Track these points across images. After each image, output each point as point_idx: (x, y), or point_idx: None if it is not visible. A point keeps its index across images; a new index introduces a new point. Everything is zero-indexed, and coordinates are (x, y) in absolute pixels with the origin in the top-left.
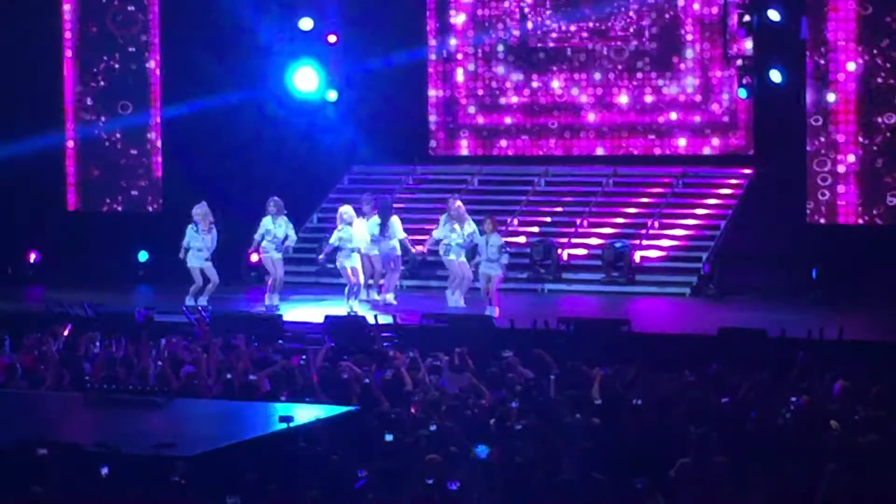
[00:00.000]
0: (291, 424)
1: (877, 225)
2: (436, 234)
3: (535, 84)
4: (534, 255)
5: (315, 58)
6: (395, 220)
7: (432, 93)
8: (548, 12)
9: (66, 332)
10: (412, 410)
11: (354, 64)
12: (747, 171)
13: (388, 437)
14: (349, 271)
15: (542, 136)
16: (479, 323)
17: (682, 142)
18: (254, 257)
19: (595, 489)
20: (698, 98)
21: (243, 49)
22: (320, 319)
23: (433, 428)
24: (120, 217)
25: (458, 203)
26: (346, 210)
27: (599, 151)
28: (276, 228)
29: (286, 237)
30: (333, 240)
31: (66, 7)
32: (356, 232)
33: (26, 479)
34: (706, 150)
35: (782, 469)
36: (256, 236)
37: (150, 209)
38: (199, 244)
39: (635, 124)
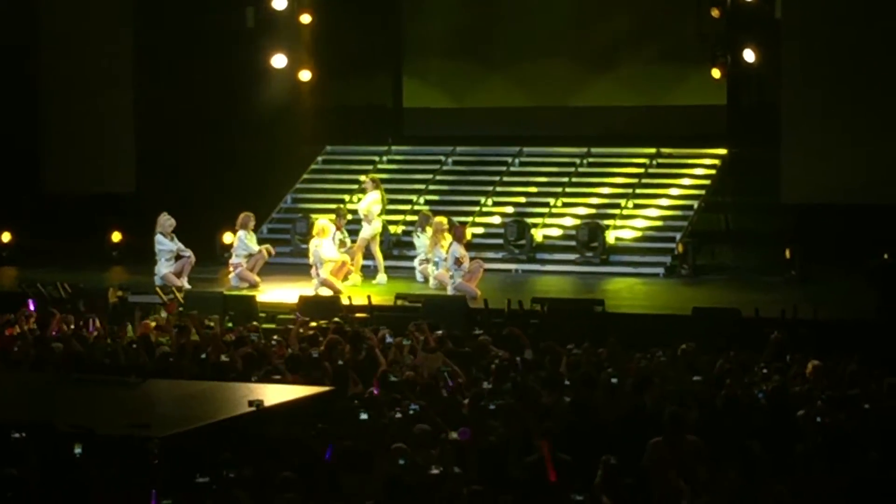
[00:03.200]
0: (263, 406)
1: (851, 204)
2: (427, 251)
3: (509, 64)
4: (508, 235)
5: (288, 37)
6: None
7: (406, 72)
8: None
9: (31, 310)
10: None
11: (328, 43)
12: (721, 150)
13: (363, 416)
14: (332, 282)
15: (516, 116)
16: (453, 303)
17: (655, 121)
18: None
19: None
20: (672, 77)
21: (217, 28)
22: (294, 299)
23: (399, 414)
24: (94, 198)
25: (441, 218)
26: (321, 226)
27: (573, 131)
28: (250, 241)
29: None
30: (310, 255)
31: None
32: (327, 247)
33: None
34: (680, 131)
35: (754, 448)
36: (242, 253)
37: (124, 190)
38: (168, 255)
39: (609, 104)
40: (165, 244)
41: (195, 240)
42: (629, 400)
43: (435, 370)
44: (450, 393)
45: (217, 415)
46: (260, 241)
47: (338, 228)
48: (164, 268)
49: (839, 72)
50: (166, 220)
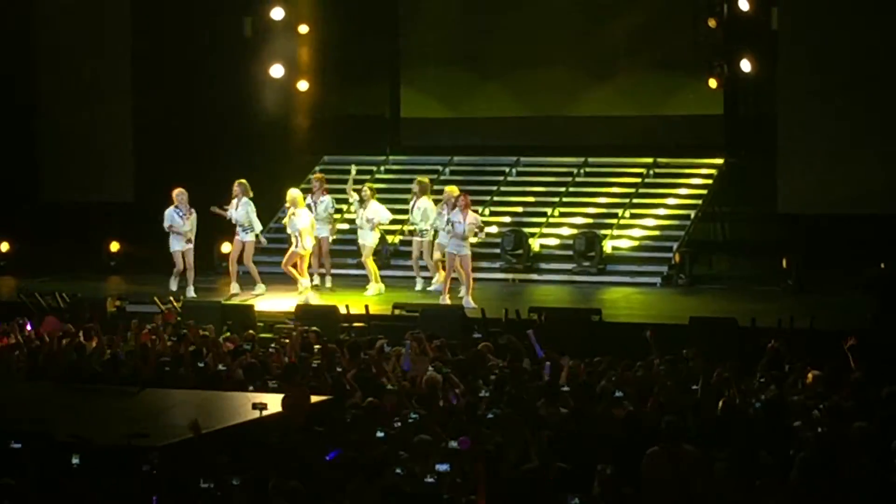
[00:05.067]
0: (266, 410)
1: (847, 213)
2: (438, 223)
3: (506, 74)
4: (505, 244)
5: (286, 47)
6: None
7: (403, 82)
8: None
9: (28, 324)
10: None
11: (326, 53)
12: (718, 160)
13: (380, 434)
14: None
15: (513, 126)
16: (451, 312)
17: (652, 131)
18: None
19: (561, 477)
20: (668, 87)
21: (215, 38)
22: (291, 309)
23: (398, 423)
24: (92, 207)
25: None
26: (294, 196)
27: (570, 141)
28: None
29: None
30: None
31: None
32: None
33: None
34: (676, 140)
35: (752, 457)
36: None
37: (122, 199)
38: (179, 228)
39: (606, 114)
40: (175, 220)
41: (193, 249)
42: (627, 409)
43: (429, 377)
44: (455, 403)
45: (216, 423)
46: (258, 251)
47: (323, 191)
48: (175, 243)
49: (835, 82)
50: (179, 192)
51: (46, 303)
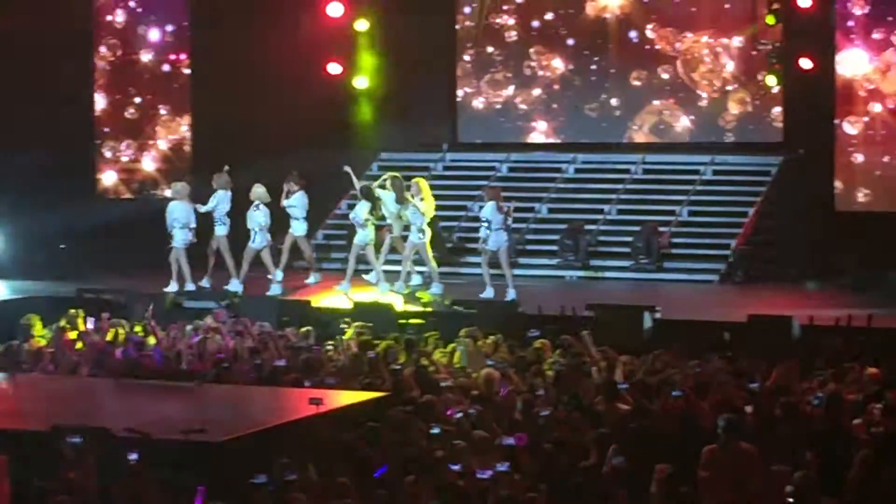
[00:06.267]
0: (322, 404)
1: None
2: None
3: (564, 69)
4: (563, 241)
5: (344, 44)
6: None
7: (460, 79)
8: None
9: (93, 319)
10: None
11: (383, 50)
12: (776, 158)
13: (435, 430)
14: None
15: (572, 123)
16: (508, 309)
17: (709, 128)
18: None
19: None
20: (729, 85)
21: (273, 35)
22: (349, 305)
23: (460, 415)
24: (149, 202)
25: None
26: (258, 192)
27: (628, 138)
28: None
29: None
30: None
31: None
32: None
33: (58, 465)
34: (735, 138)
35: (811, 456)
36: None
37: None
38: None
39: (664, 110)
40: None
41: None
42: (684, 407)
43: (486, 373)
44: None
45: (273, 419)
46: (314, 248)
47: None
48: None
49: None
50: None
51: (104, 298)
